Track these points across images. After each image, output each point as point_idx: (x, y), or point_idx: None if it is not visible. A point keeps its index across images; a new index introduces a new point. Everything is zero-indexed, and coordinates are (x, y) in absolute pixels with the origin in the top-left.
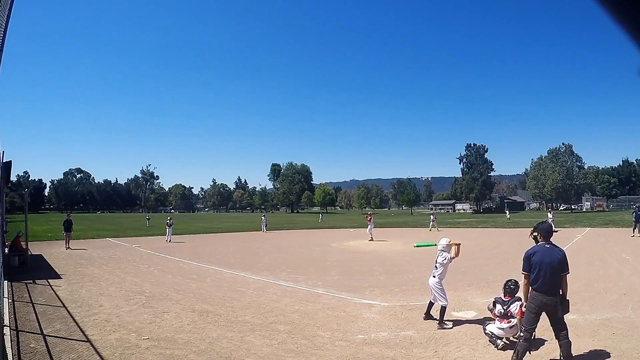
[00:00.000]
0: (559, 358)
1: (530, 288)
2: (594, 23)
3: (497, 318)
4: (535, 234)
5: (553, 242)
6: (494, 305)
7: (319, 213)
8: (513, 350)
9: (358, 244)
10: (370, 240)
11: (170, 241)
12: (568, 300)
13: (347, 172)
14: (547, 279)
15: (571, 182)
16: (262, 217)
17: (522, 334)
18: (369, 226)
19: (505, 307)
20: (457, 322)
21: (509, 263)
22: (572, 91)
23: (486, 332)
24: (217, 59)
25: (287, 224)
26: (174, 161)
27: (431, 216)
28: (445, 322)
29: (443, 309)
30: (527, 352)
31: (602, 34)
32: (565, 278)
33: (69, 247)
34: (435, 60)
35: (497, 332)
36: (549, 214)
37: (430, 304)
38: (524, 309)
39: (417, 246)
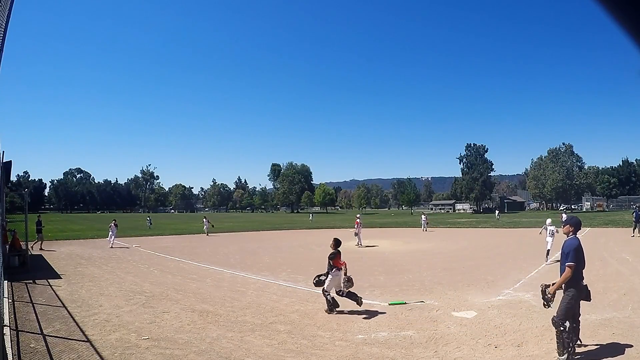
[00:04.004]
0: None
1: (575, 279)
2: (594, 23)
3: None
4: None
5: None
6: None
7: (309, 213)
8: (558, 346)
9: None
10: (357, 245)
11: (112, 247)
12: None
13: (347, 172)
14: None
15: (571, 182)
16: (204, 219)
17: (567, 326)
18: (357, 229)
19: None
20: (457, 322)
21: (509, 263)
22: (572, 91)
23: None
24: (217, 59)
25: (287, 224)
26: (174, 161)
27: (422, 216)
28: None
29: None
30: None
31: (602, 34)
32: None
33: (41, 248)
34: (435, 60)
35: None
36: (548, 222)
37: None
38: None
39: (392, 304)
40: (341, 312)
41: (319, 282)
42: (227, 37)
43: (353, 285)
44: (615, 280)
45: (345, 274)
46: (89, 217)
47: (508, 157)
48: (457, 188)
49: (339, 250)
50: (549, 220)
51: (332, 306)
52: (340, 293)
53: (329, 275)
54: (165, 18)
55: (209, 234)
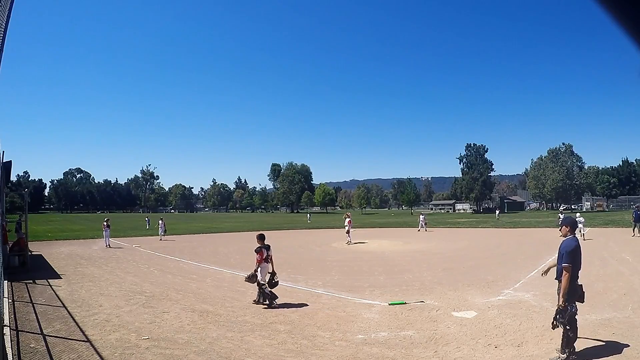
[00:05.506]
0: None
1: (571, 279)
2: (594, 23)
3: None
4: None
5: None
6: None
7: (307, 213)
8: (562, 344)
9: (358, 244)
10: (347, 243)
11: (109, 246)
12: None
13: (347, 172)
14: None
15: (571, 182)
16: (160, 221)
17: (568, 327)
18: (348, 228)
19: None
20: (457, 322)
21: (509, 263)
22: (572, 91)
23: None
24: (217, 59)
25: (287, 224)
26: (174, 161)
27: (421, 216)
28: None
29: None
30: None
31: (602, 34)
32: None
33: None
34: (435, 60)
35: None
36: (577, 215)
37: None
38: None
39: (392, 304)
40: (341, 312)
41: (251, 277)
42: (227, 37)
43: (275, 285)
44: (615, 280)
45: (272, 271)
46: (89, 217)
47: (508, 157)
48: (457, 188)
49: (263, 246)
50: (577, 215)
51: (271, 299)
52: (263, 286)
53: (259, 268)
54: (166, 18)
55: (163, 239)
